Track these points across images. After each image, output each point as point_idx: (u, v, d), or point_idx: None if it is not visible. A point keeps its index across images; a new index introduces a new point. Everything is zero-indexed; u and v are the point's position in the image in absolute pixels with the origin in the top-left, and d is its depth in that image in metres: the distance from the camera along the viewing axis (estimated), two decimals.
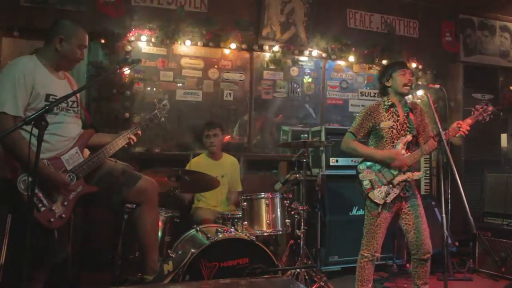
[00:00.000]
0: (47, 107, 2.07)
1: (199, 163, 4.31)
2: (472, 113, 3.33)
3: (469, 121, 3.28)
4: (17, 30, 4.27)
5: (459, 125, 3.24)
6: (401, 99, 3.42)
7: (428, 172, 5.46)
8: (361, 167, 3.39)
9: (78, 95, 2.81)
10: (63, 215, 2.58)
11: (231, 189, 4.44)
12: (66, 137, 2.67)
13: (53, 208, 2.54)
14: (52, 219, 2.53)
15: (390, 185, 3.27)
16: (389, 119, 3.35)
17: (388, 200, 3.24)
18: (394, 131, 3.34)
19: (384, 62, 5.38)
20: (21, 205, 2.42)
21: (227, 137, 5.03)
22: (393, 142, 3.33)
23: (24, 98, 2.50)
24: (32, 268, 2.56)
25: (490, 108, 3.30)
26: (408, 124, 3.38)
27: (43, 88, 2.57)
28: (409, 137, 3.34)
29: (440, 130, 3.05)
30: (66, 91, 2.61)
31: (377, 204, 3.25)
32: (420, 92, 5.60)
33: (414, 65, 5.61)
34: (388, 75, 3.41)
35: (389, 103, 3.38)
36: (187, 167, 4.28)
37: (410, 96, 4.59)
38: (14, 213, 2.48)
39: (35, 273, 2.64)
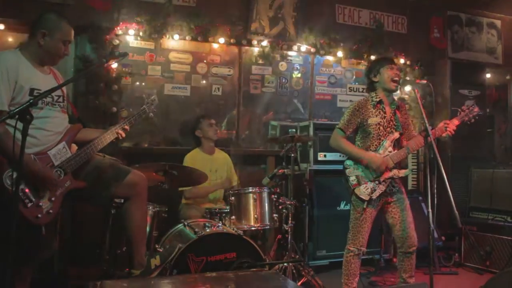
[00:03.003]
0: (31, 101, 2.04)
1: (195, 158, 4.26)
2: (458, 114, 3.38)
3: (455, 121, 3.34)
4: (4, 23, 4.21)
5: (446, 124, 3.29)
6: (389, 95, 3.44)
7: (415, 167, 5.50)
8: (348, 162, 3.40)
9: (64, 89, 2.78)
10: (51, 211, 2.56)
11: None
12: (53, 131, 2.64)
13: (41, 203, 2.52)
14: (39, 215, 2.51)
15: (376, 182, 3.29)
16: (376, 115, 3.37)
17: (374, 196, 3.27)
18: (381, 127, 3.36)
19: (373, 57, 5.39)
20: (7, 201, 2.39)
21: None
22: (379, 139, 3.35)
23: (8, 92, 2.46)
24: (19, 265, 2.54)
25: (476, 109, 3.36)
26: (394, 122, 3.40)
27: (27, 82, 2.53)
28: (396, 135, 3.36)
29: (427, 125, 3.08)
30: (51, 85, 2.55)
31: (363, 200, 3.28)
32: (407, 88, 5.65)
33: (402, 60, 5.63)
34: (376, 70, 3.43)
35: (377, 99, 3.40)
36: (184, 163, 4.19)
37: (398, 92, 4.62)
38: (0, 209, 2.46)
39: (22, 269, 2.62)
